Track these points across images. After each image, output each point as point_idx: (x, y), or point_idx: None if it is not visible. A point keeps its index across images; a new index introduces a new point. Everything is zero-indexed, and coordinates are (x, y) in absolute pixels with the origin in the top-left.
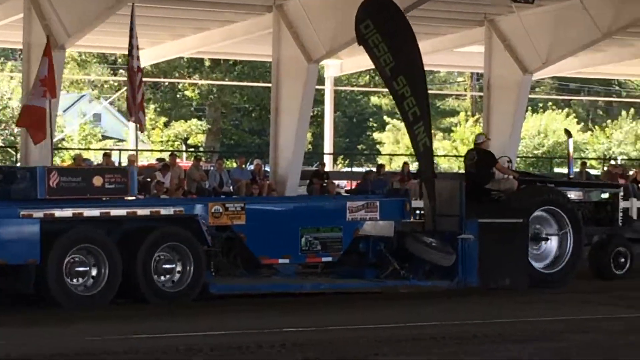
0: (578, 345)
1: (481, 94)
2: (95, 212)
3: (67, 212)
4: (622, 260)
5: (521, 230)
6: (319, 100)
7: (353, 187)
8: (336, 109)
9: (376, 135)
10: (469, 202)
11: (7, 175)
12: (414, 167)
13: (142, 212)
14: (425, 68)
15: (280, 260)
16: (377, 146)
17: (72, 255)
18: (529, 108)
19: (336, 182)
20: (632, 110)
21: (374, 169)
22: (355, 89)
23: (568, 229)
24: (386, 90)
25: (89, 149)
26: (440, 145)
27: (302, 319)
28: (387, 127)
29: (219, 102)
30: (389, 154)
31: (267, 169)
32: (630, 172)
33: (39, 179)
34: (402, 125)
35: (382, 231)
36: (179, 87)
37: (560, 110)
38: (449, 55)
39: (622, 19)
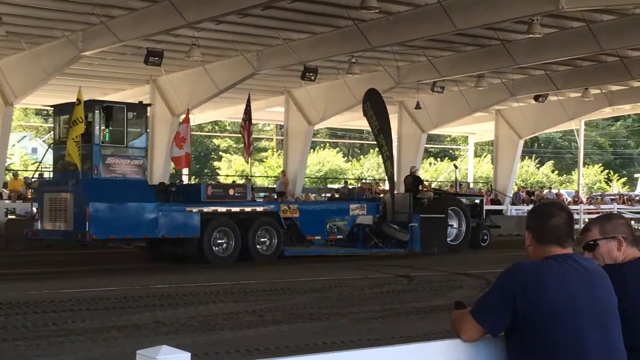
0: (334, 297)
1: (282, 137)
2: (223, 209)
3: (210, 209)
4: (485, 237)
5: (443, 221)
6: None
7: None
8: None
9: None
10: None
11: (179, 188)
12: None
13: (247, 209)
14: (255, 121)
15: (316, 237)
16: None
17: (215, 233)
18: (312, 147)
19: None
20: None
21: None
22: None
23: (463, 220)
24: None
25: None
26: (256, 169)
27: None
28: None
29: None
30: None
31: None
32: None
33: (202, 190)
34: None
35: (366, 221)
36: None
37: (332, 149)
38: (263, 114)
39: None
